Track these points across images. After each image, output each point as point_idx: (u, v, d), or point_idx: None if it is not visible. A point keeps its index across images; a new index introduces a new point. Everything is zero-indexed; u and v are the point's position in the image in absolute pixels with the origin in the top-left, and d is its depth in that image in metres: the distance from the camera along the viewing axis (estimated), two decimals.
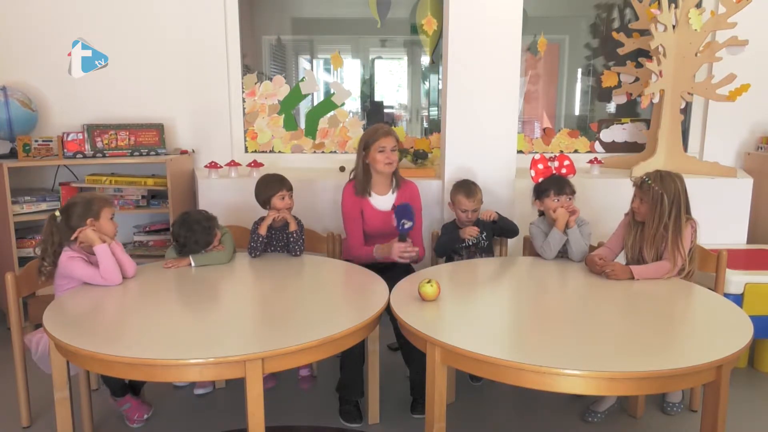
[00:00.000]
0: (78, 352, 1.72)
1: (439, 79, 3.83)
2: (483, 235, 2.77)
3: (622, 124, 3.92)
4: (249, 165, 3.46)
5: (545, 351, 1.69)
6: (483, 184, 2.87)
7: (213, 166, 3.43)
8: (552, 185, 2.60)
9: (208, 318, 2.03)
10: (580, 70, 3.99)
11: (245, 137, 3.81)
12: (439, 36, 3.74)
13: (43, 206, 3.27)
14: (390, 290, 2.17)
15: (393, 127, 3.14)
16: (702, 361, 1.61)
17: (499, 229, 2.79)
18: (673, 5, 3.30)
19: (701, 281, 2.35)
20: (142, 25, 3.54)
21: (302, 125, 3.87)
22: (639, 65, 3.67)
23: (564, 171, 2.69)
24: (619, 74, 3.82)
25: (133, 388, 2.44)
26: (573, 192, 2.61)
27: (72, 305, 2.09)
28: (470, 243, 2.77)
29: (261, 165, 3.46)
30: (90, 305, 2.10)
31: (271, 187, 2.67)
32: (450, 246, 2.79)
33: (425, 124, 4.06)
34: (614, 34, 3.63)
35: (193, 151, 3.65)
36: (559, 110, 4.02)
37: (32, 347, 2.23)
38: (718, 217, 3.22)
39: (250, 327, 1.98)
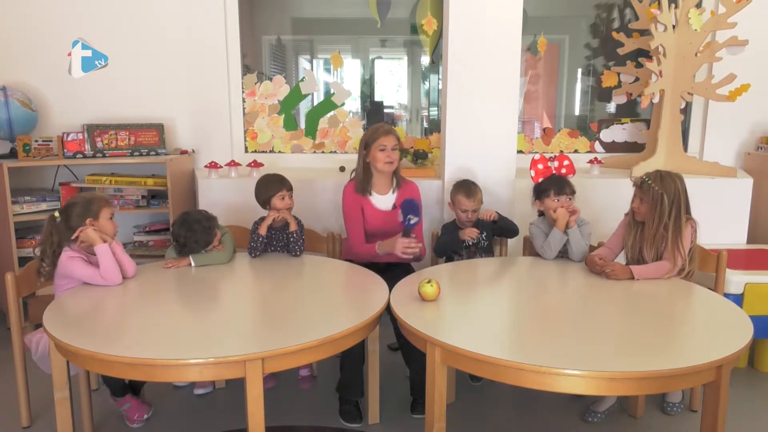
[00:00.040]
0: (78, 352, 1.72)
1: (439, 79, 3.84)
2: (483, 235, 2.77)
3: (622, 124, 3.92)
4: (249, 165, 3.46)
5: (545, 351, 1.69)
6: (483, 184, 2.87)
7: (213, 166, 3.43)
8: (552, 185, 2.60)
9: (208, 318, 2.03)
10: (580, 70, 3.99)
11: (245, 137, 3.81)
12: (439, 36, 3.74)
13: (43, 206, 3.27)
14: (390, 290, 2.17)
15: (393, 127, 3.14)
16: (702, 361, 1.61)
17: (499, 229, 2.79)
18: (673, 5, 3.30)
19: (701, 281, 2.35)
20: (142, 25, 3.54)
21: (302, 125, 3.87)
22: (639, 65, 3.67)
23: (564, 171, 2.68)
24: (619, 74, 3.82)
25: (133, 388, 2.44)
26: (573, 192, 2.61)
27: (72, 305, 2.09)
28: (470, 243, 2.77)
29: (261, 165, 3.46)
30: (90, 305, 2.10)
31: (271, 187, 2.67)
32: (450, 246, 2.79)
33: (425, 124, 4.06)
34: (614, 34, 3.63)
35: (193, 151, 3.65)
36: (559, 110, 4.02)
37: (32, 347, 2.23)
38: (718, 217, 3.22)
39: (250, 327, 1.98)
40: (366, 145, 2.77)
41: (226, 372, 1.70)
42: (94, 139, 3.32)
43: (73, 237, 2.25)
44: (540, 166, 2.67)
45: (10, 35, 3.48)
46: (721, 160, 3.61)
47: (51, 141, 3.32)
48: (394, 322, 2.24)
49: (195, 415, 2.53)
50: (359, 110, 4.00)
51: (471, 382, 2.77)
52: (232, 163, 3.47)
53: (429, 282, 2.04)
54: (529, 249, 2.78)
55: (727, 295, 2.55)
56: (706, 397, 1.76)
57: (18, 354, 2.28)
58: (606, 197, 3.16)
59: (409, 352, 2.43)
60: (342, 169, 3.58)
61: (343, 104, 3.87)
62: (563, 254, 2.59)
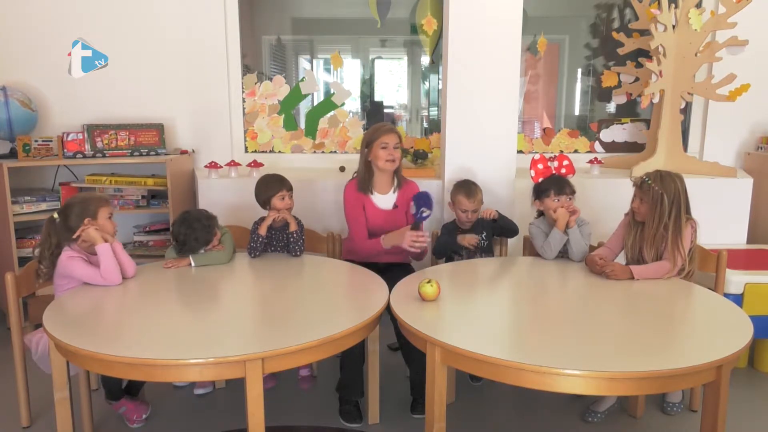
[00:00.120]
0: (78, 352, 1.72)
1: (439, 79, 3.84)
2: (483, 235, 2.77)
3: (622, 124, 3.92)
4: (249, 165, 3.46)
5: (545, 351, 1.69)
6: (483, 184, 2.87)
7: (213, 166, 3.43)
8: (552, 185, 2.60)
9: (208, 318, 2.03)
10: (580, 70, 3.99)
11: (245, 137, 3.81)
12: (439, 36, 3.74)
13: (43, 206, 3.27)
14: (390, 290, 2.17)
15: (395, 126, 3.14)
16: (702, 361, 1.61)
17: (499, 229, 2.79)
18: (673, 5, 3.30)
19: (701, 281, 2.35)
20: (142, 25, 3.55)
21: (302, 125, 3.87)
22: (639, 65, 3.67)
23: (564, 171, 2.69)
24: (619, 74, 3.82)
25: (131, 388, 2.44)
26: (573, 192, 2.61)
27: (72, 305, 2.09)
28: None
29: (261, 165, 3.45)
30: (90, 305, 2.10)
31: (271, 187, 2.67)
32: (449, 247, 2.79)
33: (425, 124, 4.06)
34: (614, 34, 3.63)
35: (193, 151, 3.65)
36: (559, 110, 4.02)
37: (32, 347, 2.23)
38: (718, 217, 3.22)
39: (250, 327, 1.98)
40: (368, 144, 2.77)
41: (226, 372, 1.70)
42: (94, 139, 3.32)
43: (74, 236, 2.25)
44: (540, 166, 2.67)
45: (10, 35, 3.48)
46: (721, 160, 3.61)
47: (51, 141, 3.32)
48: (394, 322, 2.24)
49: (195, 415, 2.53)
50: (359, 110, 4.00)
51: (471, 382, 2.77)
52: (232, 163, 3.47)
53: (429, 282, 2.04)
54: (529, 249, 2.78)
55: (727, 295, 2.55)
56: (706, 397, 1.76)
57: (18, 354, 2.28)
58: (606, 197, 3.16)
59: (409, 352, 2.43)
60: (342, 169, 3.58)
61: (343, 104, 3.87)
62: (563, 254, 2.59)
